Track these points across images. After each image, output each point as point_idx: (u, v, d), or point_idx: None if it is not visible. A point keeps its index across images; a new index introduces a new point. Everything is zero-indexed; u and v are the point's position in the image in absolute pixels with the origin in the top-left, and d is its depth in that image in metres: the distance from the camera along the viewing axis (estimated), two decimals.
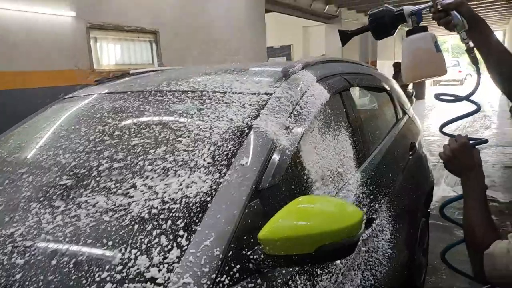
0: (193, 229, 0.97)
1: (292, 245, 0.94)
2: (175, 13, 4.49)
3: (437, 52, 1.30)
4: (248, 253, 1.00)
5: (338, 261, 1.30)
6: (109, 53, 3.86)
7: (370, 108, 2.11)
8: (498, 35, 18.34)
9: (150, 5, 4.14)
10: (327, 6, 8.60)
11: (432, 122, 10.41)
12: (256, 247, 1.01)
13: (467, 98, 1.32)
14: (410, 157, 2.42)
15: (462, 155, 1.09)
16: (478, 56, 1.26)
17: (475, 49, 1.22)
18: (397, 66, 10.74)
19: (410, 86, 13.07)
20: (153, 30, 4.20)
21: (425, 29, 1.32)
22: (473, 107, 1.39)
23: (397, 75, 10.37)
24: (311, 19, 8.58)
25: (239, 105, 1.35)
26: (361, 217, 0.98)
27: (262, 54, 6.16)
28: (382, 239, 1.77)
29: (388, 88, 2.51)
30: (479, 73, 1.29)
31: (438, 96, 1.41)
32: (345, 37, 1.49)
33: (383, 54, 12.80)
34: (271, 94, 1.39)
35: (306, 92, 1.50)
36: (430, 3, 1.24)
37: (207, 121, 1.29)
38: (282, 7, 7.01)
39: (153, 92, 1.55)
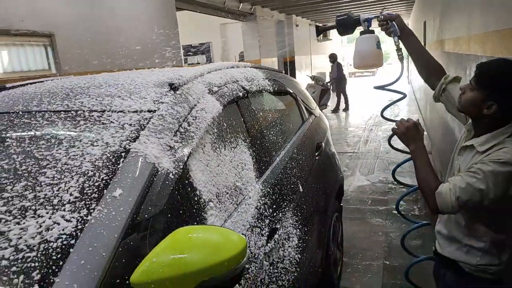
0: (51, 281, 0.84)
1: (169, 286, 0.86)
2: (74, 15, 4.13)
3: (377, 48, 1.78)
4: None
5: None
6: None
7: (272, 113, 2.10)
8: None
9: (43, 6, 3.76)
10: (241, 4, 8.60)
11: (348, 113, 10.98)
12: None
13: (392, 84, 1.86)
14: (317, 158, 2.46)
15: (413, 131, 1.49)
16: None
17: (402, 49, 1.70)
18: (331, 57, 11.18)
19: (327, 79, 13.69)
20: (47, 33, 3.82)
21: (372, 32, 1.80)
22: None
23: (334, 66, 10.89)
24: (226, 17, 8.52)
25: (118, 126, 1.22)
26: (244, 245, 0.93)
27: (176, 56, 5.96)
28: (289, 246, 1.76)
29: (292, 91, 2.53)
30: (402, 67, 1.80)
31: (377, 87, 1.95)
32: (318, 31, 2.35)
33: (301, 51, 13.19)
34: (154, 111, 1.28)
35: (195, 106, 1.42)
36: (378, 14, 1.72)
37: (78, 147, 1.15)
38: (194, 5, 6.85)
39: (20, 113, 1.36)
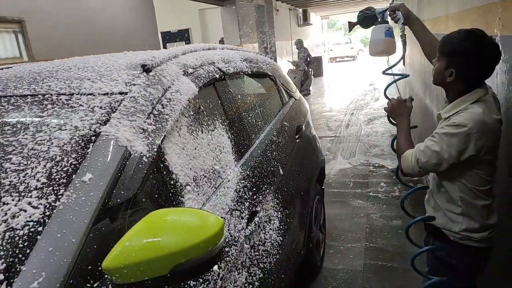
0: (18, 269, 0.80)
1: (143, 270, 0.83)
2: (44, 1, 3.97)
3: (385, 37, 1.89)
4: (95, 285, 0.86)
5: (215, 267, 1.23)
6: None
7: (251, 96, 2.06)
8: None
9: None
10: None
11: (329, 98, 11.02)
12: (105, 277, 0.88)
13: (395, 65, 1.91)
14: (298, 140, 2.45)
15: (399, 107, 1.65)
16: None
17: (405, 35, 1.80)
18: (298, 43, 11.10)
19: (306, 67, 13.65)
20: (17, 19, 3.66)
21: (386, 22, 1.90)
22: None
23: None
24: (205, 1, 8.36)
25: (87, 109, 1.17)
26: (221, 226, 0.91)
27: (154, 42, 5.82)
28: (270, 229, 1.75)
29: (271, 74, 2.49)
30: (404, 51, 1.85)
31: (384, 72, 2.00)
32: (350, 25, 2.07)
33: (281, 36, 13.10)
34: (126, 93, 1.23)
35: (169, 87, 1.37)
36: (388, 6, 1.88)
37: (46, 132, 1.10)
38: None
39: None
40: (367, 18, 1.95)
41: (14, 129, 1.13)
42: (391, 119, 1.72)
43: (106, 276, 0.86)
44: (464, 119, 1.36)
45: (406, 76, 2.02)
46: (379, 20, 1.92)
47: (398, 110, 1.66)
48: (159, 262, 0.83)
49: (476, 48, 1.36)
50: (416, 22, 1.80)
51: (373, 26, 1.93)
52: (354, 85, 12.52)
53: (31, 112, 1.19)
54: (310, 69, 11.34)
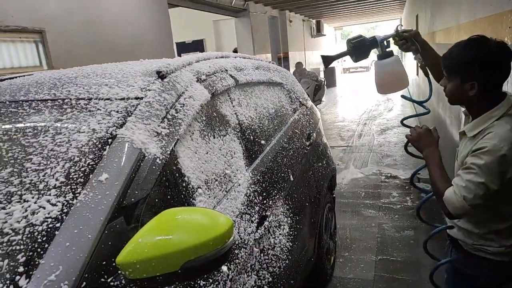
0: (36, 263, 0.84)
1: (155, 266, 0.86)
2: (65, 10, 4.10)
3: (393, 68, 1.66)
4: (109, 280, 0.90)
5: (224, 268, 1.25)
6: None
7: (263, 103, 2.10)
8: (397, 22, 19.89)
9: (33, 2, 3.73)
10: (234, 0, 8.58)
11: (342, 108, 11.01)
12: (119, 272, 0.91)
13: (422, 102, 1.72)
14: (308, 148, 2.47)
15: (426, 136, 1.49)
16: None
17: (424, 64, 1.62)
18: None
19: (322, 75, 13.67)
20: (37, 29, 3.79)
21: (391, 53, 1.65)
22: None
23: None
24: (219, 13, 8.49)
25: (104, 113, 1.22)
26: (230, 225, 0.93)
27: (169, 51, 5.93)
28: (280, 234, 1.77)
29: (283, 82, 2.53)
30: (430, 82, 1.66)
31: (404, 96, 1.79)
32: (327, 60, 1.75)
33: (294, 46, 13.19)
34: (141, 98, 1.28)
35: (183, 93, 1.42)
36: (394, 33, 1.62)
37: (65, 134, 1.15)
38: (186, 1, 6.81)
39: (6, 103, 1.36)
40: (361, 47, 1.62)
41: (35, 131, 1.19)
42: (410, 150, 1.57)
43: (119, 271, 0.89)
44: (496, 141, 1.26)
45: (427, 113, 1.73)
46: (382, 50, 1.64)
47: (425, 140, 1.48)
48: (170, 258, 0.86)
49: (485, 52, 1.29)
50: (429, 49, 1.62)
51: (384, 60, 1.66)
52: (367, 96, 12.49)
53: (51, 116, 1.25)
54: (323, 79, 11.36)
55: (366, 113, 9.54)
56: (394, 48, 1.69)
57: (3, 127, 1.24)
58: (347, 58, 1.75)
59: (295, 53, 13.23)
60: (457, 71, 1.35)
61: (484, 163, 1.27)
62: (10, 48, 3.59)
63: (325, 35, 18.28)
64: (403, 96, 1.78)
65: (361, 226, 3.62)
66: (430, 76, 1.65)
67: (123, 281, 0.89)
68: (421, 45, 1.59)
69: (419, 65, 1.62)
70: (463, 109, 1.50)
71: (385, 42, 1.63)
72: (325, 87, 11.80)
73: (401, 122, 1.79)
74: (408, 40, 1.60)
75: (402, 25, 1.99)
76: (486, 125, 1.33)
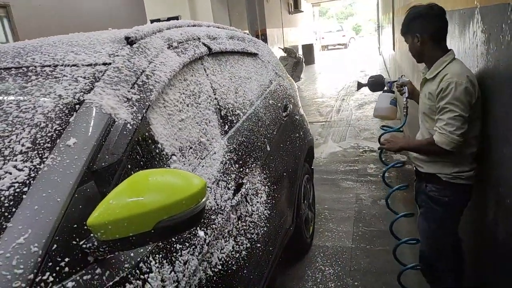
0: (4, 226, 0.82)
1: (128, 226, 0.86)
2: None
3: (389, 105, 2.17)
4: (81, 242, 0.89)
5: (201, 233, 1.26)
6: None
7: (238, 73, 2.08)
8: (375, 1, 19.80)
9: None
10: None
11: (321, 85, 11.04)
12: (91, 235, 0.90)
13: (398, 129, 2.16)
14: (285, 119, 2.48)
15: (394, 139, 1.90)
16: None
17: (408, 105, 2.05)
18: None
19: (300, 52, 13.60)
20: (1, 3, 3.61)
21: (392, 92, 2.20)
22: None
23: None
24: None
25: (71, 79, 1.18)
26: (203, 185, 0.93)
27: None
28: (257, 202, 1.78)
29: (258, 52, 2.51)
30: (404, 121, 2.11)
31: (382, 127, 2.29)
32: (359, 85, 2.55)
33: (272, 23, 13.03)
34: (109, 64, 1.25)
35: (153, 59, 1.38)
36: (397, 80, 2.15)
37: (30, 101, 1.11)
38: None
39: None
40: (376, 84, 2.26)
41: None
42: (382, 159, 2.26)
43: (91, 233, 0.89)
44: (456, 79, 1.58)
45: (400, 130, 2.22)
46: (386, 88, 2.20)
47: (395, 142, 1.88)
48: (143, 218, 0.86)
49: (422, 8, 1.71)
50: (416, 94, 2.03)
51: (380, 93, 2.22)
52: (345, 72, 12.55)
53: (15, 83, 1.20)
54: (301, 56, 11.32)
55: (344, 89, 9.60)
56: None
57: None
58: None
59: (273, 30, 13.10)
60: (406, 31, 1.77)
61: (453, 99, 1.58)
62: None
63: (302, 11, 18.11)
64: (382, 127, 2.26)
65: (340, 197, 3.69)
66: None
67: (95, 243, 0.88)
68: (410, 91, 2.05)
69: (404, 102, 2.05)
70: (421, 68, 1.87)
71: (390, 84, 2.20)
72: (304, 64, 11.78)
73: (378, 139, 2.16)
74: (403, 86, 2.06)
75: (404, 75, 2.47)
76: (441, 68, 1.68)
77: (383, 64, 12.78)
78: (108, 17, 4.98)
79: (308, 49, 15.82)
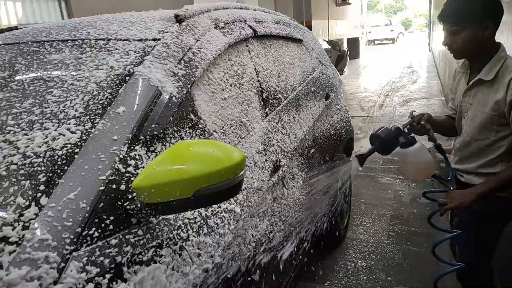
0: (56, 182, 0.88)
1: (169, 191, 0.89)
2: None
3: (428, 157, 1.61)
4: (125, 204, 0.94)
5: (237, 209, 1.28)
6: (8, 12, 3.46)
7: (282, 57, 2.07)
8: None
9: None
10: None
11: (364, 80, 10.79)
12: (134, 197, 0.95)
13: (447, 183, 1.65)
14: (326, 106, 2.45)
15: (458, 194, 1.49)
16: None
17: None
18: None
19: (345, 46, 13.33)
20: None
21: (414, 141, 1.62)
22: None
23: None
24: None
25: (122, 52, 1.24)
26: (242, 158, 0.95)
27: None
28: (293, 186, 1.79)
29: (303, 39, 2.49)
30: (449, 170, 1.66)
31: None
32: (361, 159, 1.73)
33: (318, 15, 12.82)
34: (159, 39, 1.29)
35: (200, 38, 1.42)
36: (411, 119, 1.65)
37: (84, 70, 1.18)
38: None
39: (28, 43, 1.39)
40: (389, 141, 1.61)
41: (55, 67, 1.22)
42: (431, 223, 1.65)
43: (135, 196, 0.93)
44: None
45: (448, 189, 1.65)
46: (405, 138, 1.62)
47: (462, 195, 1.47)
48: (183, 185, 0.89)
49: None
50: (439, 124, 1.72)
51: (409, 149, 1.61)
52: (391, 68, 12.18)
53: (71, 54, 1.28)
54: (346, 50, 11.09)
55: (389, 85, 9.32)
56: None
57: (24, 63, 1.27)
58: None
59: (319, 21, 12.88)
60: (471, 15, 1.39)
61: None
62: (34, 5, 3.64)
63: (350, 3, 17.66)
64: (425, 194, 1.73)
65: (377, 193, 3.62)
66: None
67: (139, 205, 0.92)
68: (432, 125, 1.63)
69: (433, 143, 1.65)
70: (459, 66, 1.59)
71: (406, 129, 1.63)
72: (348, 57, 11.53)
73: (424, 195, 1.73)
74: (423, 121, 1.62)
75: (415, 110, 1.92)
76: (499, 66, 1.41)
77: (432, 61, 12.28)
78: (155, 4, 5.10)
79: (354, 43, 15.47)
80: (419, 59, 13.86)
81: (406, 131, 1.63)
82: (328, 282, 2.41)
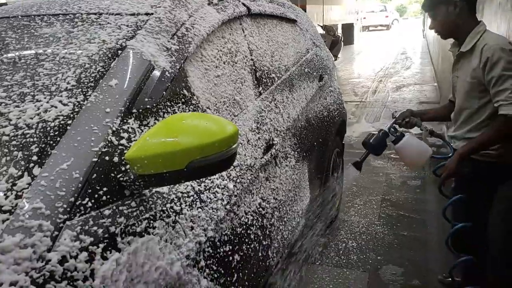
0: (49, 153, 0.88)
1: (162, 163, 0.89)
2: None
3: (420, 145, 1.82)
4: (119, 175, 0.94)
5: (230, 185, 1.29)
6: None
7: (276, 37, 2.06)
8: None
9: None
10: None
11: (358, 65, 10.77)
12: (128, 169, 0.95)
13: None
14: (320, 88, 2.45)
15: (450, 163, 1.65)
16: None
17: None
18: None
19: (339, 31, 13.26)
20: None
21: (402, 135, 1.83)
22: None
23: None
24: None
25: (114, 27, 1.23)
26: (235, 131, 0.95)
27: None
28: (286, 165, 1.80)
29: (297, 20, 2.47)
30: (451, 147, 1.79)
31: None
32: (358, 165, 1.95)
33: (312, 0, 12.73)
34: (152, 14, 1.28)
35: (194, 13, 1.40)
36: (394, 119, 1.89)
37: (76, 44, 1.16)
38: None
39: (19, 17, 1.37)
40: (378, 145, 1.83)
41: (47, 41, 1.20)
42: (442, 191, 1.78)
43: (128, 168, 0.93)
44: (497, 47, 1.49)
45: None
46: (395, 136, 1.81)
47: (451, 163, 1.64)
48: (176, 156, 0.89)
49: None
50: (427, 115, 1.92)
51: (401, 142, 1.81)
52: (385, 54, 12.16)
53: (62, 28, 1.26)
54: (340, 35, 11.04)
55: (382, 71, 9.33)
56: None
57: (15, 37, 1.26)
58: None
59: (314, 6, 12.79)
60: (439, 1, 1.63)
61: (508, 63, 1.46)
62: None
63: None
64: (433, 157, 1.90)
65: (369, 176, 3.65)
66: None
67: (132, 177, 0.93)
68: (419, 116, 1.86)
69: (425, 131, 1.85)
70: (450, 46, 1.78)
71: (392, 128, 1.84)
72: (342, 43, 11.49)
73: (434, 172, 1.85)
74: (408, 117, 1.85)
75: (396, 111, 2.12)
76: (476, 39, 1.58)
77: (426, 47, 12.28)
78: None
79: (348, 28, 15.38)
80: (413, 46, 13.85)
81: (393, 130, 1.83)
82: (319, 261, 2.44)
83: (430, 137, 1.89)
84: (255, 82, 1.71)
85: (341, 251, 2.53)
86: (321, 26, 10.85)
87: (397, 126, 1.86)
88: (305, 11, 9.08)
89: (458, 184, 1.83)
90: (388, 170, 3.76)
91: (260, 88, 1.73)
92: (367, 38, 18.77)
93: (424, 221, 2.82)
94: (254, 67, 1.73)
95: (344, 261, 2.44)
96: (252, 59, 1.73)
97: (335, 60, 10.56)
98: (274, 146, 1.66)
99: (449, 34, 1.69)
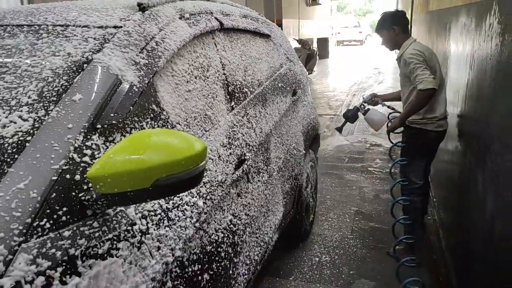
0: (5, 171, 0.84)
1: (126, 181, 0.86)
2: None
3: (380, 116, 2.86)
4: (80, 194, 0.90)
5: (199, 202, 1.27)
6: None
7: (249, 52, 2.07)
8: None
9: None
10: None
11: (333, 79, 10.97)
12: (90, 188, 0.91)
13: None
14: (293, 103, 2.47)
15: (392, 124, 2.59)
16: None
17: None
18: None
19: (315, 45, 13.47)
20: None
21: (369, 109, 2.84)
22: None
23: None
24: None
25: (81, 39, 1.19)
26: (203, 148, 0.93)
27: None
28: (259, 180, 1.79)
29: (271, 34, 2.49)
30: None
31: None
32: (339, 129, 2.97)
33: (288, 14, 12.92)
34: (120, 27, 1.25)
35: (164, 27, 1.39)
36: (363, 100, 2.90)
37: (39, 56, 1.12)
38: None
39: None
40: (353, 115, 2.89)
41: (9, 53, 1.15)
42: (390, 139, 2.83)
43: (91, 186, 0.90)
44: (412, 51, 2.34)
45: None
46: (363, 110, 2.84)
47: (395, 121, 2.54)
48: (142, 174, 0.86)
49: (395, 11, 2.71)
50: (387, 96, 2.96)
51: (368, 114, 2.82)
52: (359, 68, 12.44)
53: (26, 40, 1.21)
54: (315, 49, 11.23)
55: (356, 85, 9.53)
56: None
57: None
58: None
59: (289, 20, 12.99)
60: (383, 26, 2.53)
61: (416, 60, 2.29)
62: None
63: (320, 4, 17.92)
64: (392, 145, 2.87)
65: (343, 189, 3.69)
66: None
67: (94, 196, 0.89)
68: (380, 98, 2.87)
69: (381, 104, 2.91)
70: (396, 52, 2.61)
71: (362, 105, 2.85)
72: (317, 57, 11.69)
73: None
74: (373, 98, 2.85)
75: (364, 94, 3.02)
76: (404, 49, 2.44)
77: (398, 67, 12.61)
78: None
79: (323, 43, 15.69)
80: (385, 61, 14.24)
81: (363, 106, 2.85)
82: (293, 276, 2.43)
83: (388, 108, 2.91)
84: (228, 96, 1.70)
85: (314, 266, 2.52)
86: (297, 40, 11.02)
87: (366, 104, 2.85)
88: (281, 25, 9.19)
89: (403, 146, 2.67)
90: (361, 183, 3.80)
91: (233, 103, 1.72)
92: (342, 52, 19.19)
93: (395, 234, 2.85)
94: (226, 82, 1.72)
95: (317, 276, 2.43)
96: (224, 74, 1.72)
97: (310, 73, 10.73)
98: (246, 162, 1.65)
99: (392, 47, 2.57)
